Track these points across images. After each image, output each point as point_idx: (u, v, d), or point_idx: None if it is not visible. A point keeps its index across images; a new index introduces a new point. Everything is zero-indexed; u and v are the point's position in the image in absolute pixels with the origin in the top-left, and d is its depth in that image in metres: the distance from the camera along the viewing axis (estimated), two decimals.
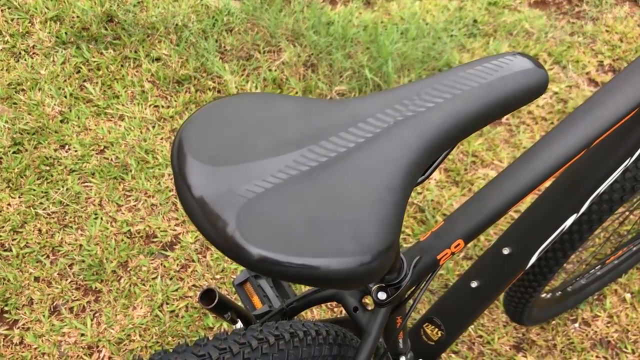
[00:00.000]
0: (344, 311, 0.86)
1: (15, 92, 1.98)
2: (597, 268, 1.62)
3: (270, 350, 0.72)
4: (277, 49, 2.16)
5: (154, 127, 1.94)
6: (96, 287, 1.63)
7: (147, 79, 2.06)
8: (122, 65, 2.09)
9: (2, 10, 2.18)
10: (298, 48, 2.14)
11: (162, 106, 2.00)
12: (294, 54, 2.12)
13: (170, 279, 1.64)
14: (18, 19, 2.16)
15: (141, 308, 1.59)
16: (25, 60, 2.07)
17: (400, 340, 0.97)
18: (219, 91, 2.05)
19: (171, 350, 0.66)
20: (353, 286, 0.50)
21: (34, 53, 2.10)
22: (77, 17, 2.17)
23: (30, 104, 1.95)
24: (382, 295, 0.77)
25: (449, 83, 0.57)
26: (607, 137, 0.91)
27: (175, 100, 2.02)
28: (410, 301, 0.83)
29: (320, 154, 0.51)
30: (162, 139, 1.92)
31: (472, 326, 1.61)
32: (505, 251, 1.02)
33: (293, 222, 0.48)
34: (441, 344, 1.10)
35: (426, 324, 1.11)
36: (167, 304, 1.60)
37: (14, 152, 1.85)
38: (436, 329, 1.10)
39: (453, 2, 2.40)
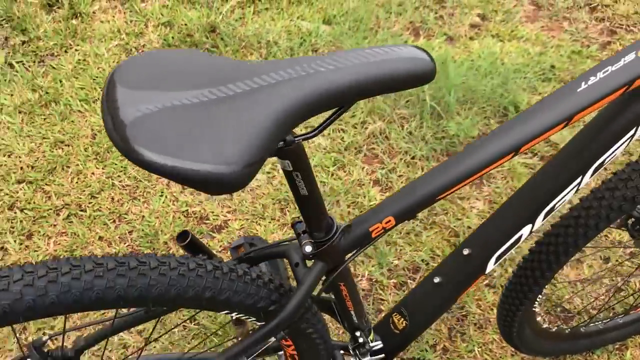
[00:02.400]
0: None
1: None
2: (619, 316, 1.60)
3: (205, 275, 0.86)
4: None
5: None
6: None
7: None
8: None
9: (124, 12, 2.52)
10: None
11: None
12: None
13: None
14: (136, 21, 2.49)
15: None
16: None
17: (353, 313, 1.08)
18: None
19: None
20: (212, 189, 0.63)
21: (142, 51, 2.41)
22: (185, 24, 2.47)
23: None
24: (307, 248, 0.89)
25: (338, 58, 0.70)
26: (559, 155, 0.99)
27: None
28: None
29: (215, 94, 0.66)
30: None
31: (479, 349, 1.65)
32: (465, 252, 1.10)
33: (176, 135, 0.63)
34: (405, 335, 1.19)
35: (395, 313, 1.20)
36: None
37: None
38: (402, 319, 1.18)
39: (536, 47, 2.45)
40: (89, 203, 1.96)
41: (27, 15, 2.46)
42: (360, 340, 1.13)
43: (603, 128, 0.96)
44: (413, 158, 2.09)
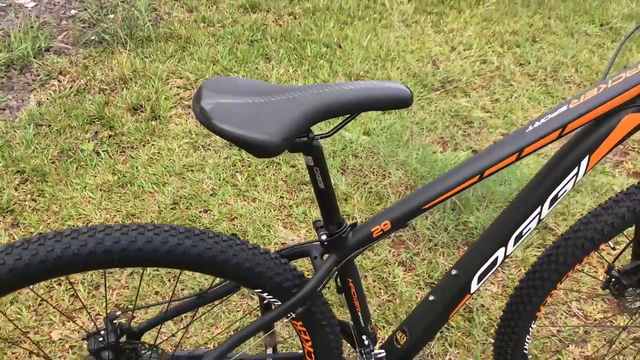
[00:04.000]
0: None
1: (186, 170, 2.68)
2: None
3: (247, 250, 1.14)
4: (386, 172, 2.66)
5: (275, 210, 2.49)
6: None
7: (281, 178, 2.66)
8: (267, 166, 2.72)
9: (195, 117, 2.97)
10: (401, 172, 2.62)
11: (286, 198, 2.56)
12: (398, 177, 2.60)
13: (250, 313, 2.08)
14: None
15: (221, 326, 2.03)
16: (200, 152, 2.79)
17: (360, 315, 1.31)
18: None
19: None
20: (258, 152, 0.94)
21: (207, 149, 2.82)
22: None
23: (193, 180, 2.62)
24: (323, 237, 1.17)
25: (348, 84, 1.03)
26: (523, 190, 1.27)
27: (297, 196, 2.56)
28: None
29: (264, 99, 0.99)
30: (278, 219, 2.45)
31: None
32: (453, 272, 1.34)
33: (238, 117, 0.96)
34: (405, 350, 1.40)
35: (398, 331, 1.42)
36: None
37: (171, 208, 2.49)
38: (403, 335, 1.40)
39: None
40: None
41: (116, 116, 2.93)
42: (366, 342, 1.35)
43: (552, 169, 1.24)
44: (436, 245, 2.34)
